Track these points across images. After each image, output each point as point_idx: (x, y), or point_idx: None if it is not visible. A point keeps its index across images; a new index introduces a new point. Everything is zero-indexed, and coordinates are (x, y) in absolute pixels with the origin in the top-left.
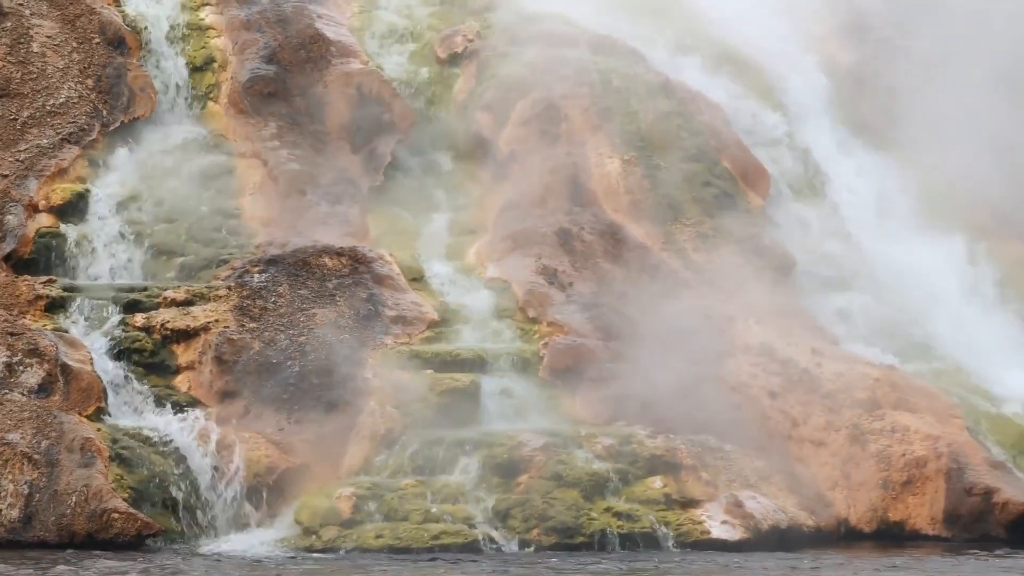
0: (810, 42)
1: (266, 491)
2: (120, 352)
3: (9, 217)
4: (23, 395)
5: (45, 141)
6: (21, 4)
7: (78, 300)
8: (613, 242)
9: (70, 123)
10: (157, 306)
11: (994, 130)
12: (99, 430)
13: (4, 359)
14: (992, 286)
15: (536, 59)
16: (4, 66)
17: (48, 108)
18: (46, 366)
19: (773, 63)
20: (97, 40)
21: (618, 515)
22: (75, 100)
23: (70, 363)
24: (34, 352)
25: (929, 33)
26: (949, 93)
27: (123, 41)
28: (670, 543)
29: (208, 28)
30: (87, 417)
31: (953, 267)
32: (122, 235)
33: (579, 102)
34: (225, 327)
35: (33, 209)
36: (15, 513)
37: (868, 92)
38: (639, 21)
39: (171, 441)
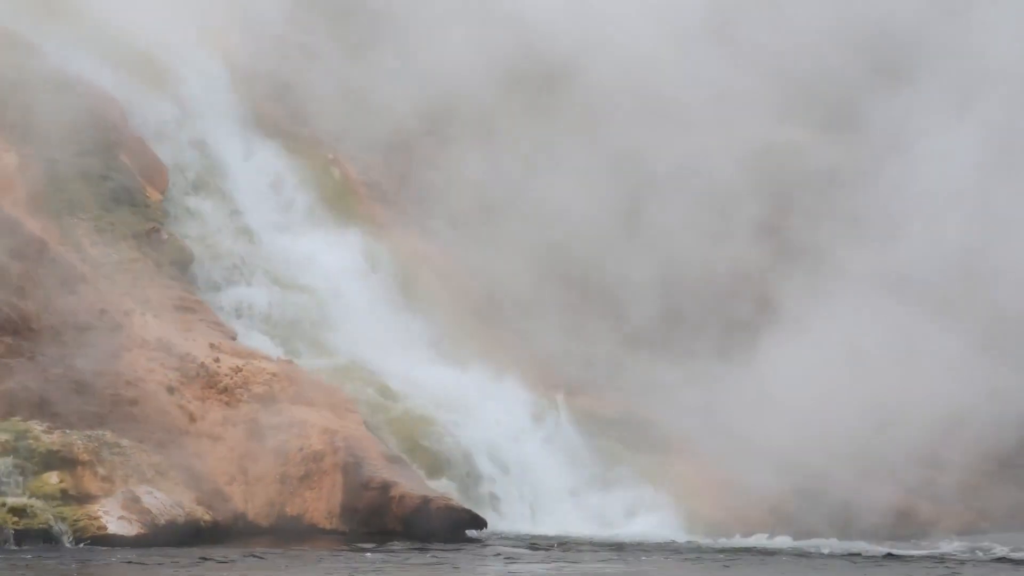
0: (208, 37)
1: None
2: None
3: None
4: None
5: None
6: None
7: None
8: (11, 236)
9: None
10: None
11: (395, 119)
12: None
13: None
14: (391, 281)
15: None
16: None
17: None
18: None
19: (172, 58)
20: None
21: (14, 511)
22: None
23: None
24: None
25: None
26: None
27: None
28: (67, 539)
29: None
30: None
31: (352, 262)
32: None
33: None
34: None
35: None
36: None
37: (266, 86)
38: (38, 15)
39: None
